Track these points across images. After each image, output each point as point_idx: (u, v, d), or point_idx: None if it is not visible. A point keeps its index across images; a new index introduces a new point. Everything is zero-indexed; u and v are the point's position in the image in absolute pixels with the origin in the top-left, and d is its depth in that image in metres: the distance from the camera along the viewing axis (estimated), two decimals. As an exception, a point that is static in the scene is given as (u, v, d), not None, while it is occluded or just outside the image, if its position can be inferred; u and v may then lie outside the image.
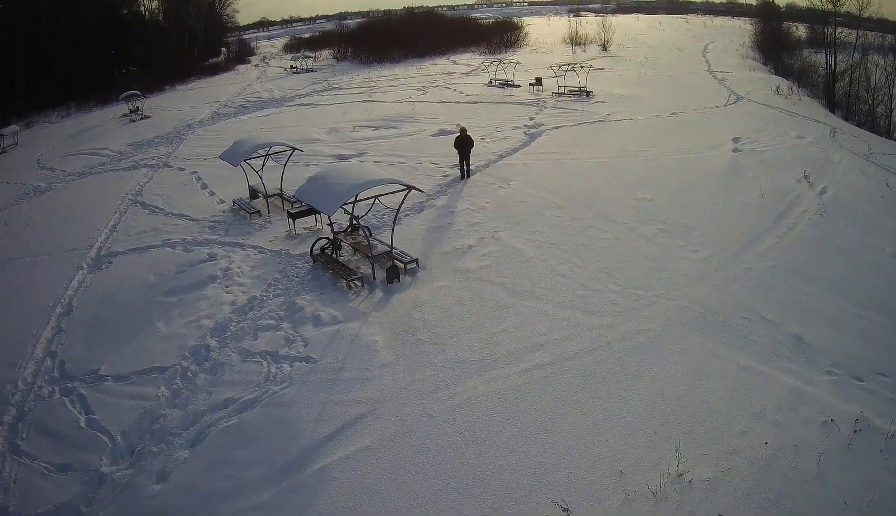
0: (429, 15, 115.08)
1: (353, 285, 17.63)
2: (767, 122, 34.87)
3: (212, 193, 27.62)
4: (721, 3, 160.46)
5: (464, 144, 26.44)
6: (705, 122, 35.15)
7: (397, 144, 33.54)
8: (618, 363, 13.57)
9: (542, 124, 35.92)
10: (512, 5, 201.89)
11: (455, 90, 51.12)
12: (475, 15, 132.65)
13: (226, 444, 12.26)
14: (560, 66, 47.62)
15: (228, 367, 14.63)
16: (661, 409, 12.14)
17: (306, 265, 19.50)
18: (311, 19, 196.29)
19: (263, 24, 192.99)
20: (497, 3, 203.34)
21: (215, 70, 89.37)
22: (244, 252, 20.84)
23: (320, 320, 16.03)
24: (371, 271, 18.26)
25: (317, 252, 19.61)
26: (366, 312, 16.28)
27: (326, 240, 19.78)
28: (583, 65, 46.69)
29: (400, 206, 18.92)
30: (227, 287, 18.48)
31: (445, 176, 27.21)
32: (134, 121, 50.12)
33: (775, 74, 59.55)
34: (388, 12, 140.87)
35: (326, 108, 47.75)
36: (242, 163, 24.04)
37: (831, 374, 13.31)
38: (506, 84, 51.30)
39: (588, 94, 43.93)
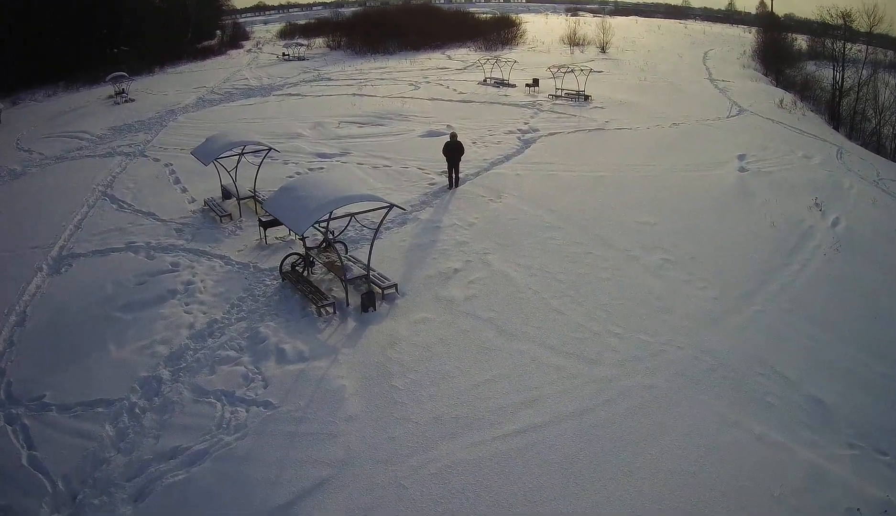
0: (425, 7, 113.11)
1: (323, 311, 15.81)
2: (772, 139, 33.29)
3: (184, 190, 25.89)
4: (719, 11, 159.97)
5: (453, 151, 24.60)
6: (709, 136, 33.53)
7: (383, 144, 31.69)
8: (620, 427, 11.90)
9: (538, 129, 34.15)
10: (509, 1, 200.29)
11: (448, 87, 49.29)
12: (472, 9, 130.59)
13: (172, 504, 10.69)
14: (559, 68, 45.91)
15: (179, 408, 12.92)
16: (669, 490, 10.54)
17: (275, 282, 17.70)
18: (309, 6, 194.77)
19: (260, 8, 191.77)
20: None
21: (207, 53, 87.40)
22: (209, 263, 19.05)
23: (284, 355, 14.24)
24: (345, 295, 16.44)
25: (286, 269, 17.74)
26: (335, 347, 14.47)
27: (298, 257, 17.94)
28: (582, 68, 44.87)
29: (380, 225, 16.97)
30: (186, 305, 16.72)
31: (432, 184, 25.41)
32: (118, 103, 49.06)
33: (777, 86, 58.19)
34: (385, 2, 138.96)
35: (313, 99, 45.87)
36: (215, 162, 22.19)
37: (854, 448, 11.88)
38: (501, 83, 49.54)
39: (586, 98, 42.26)
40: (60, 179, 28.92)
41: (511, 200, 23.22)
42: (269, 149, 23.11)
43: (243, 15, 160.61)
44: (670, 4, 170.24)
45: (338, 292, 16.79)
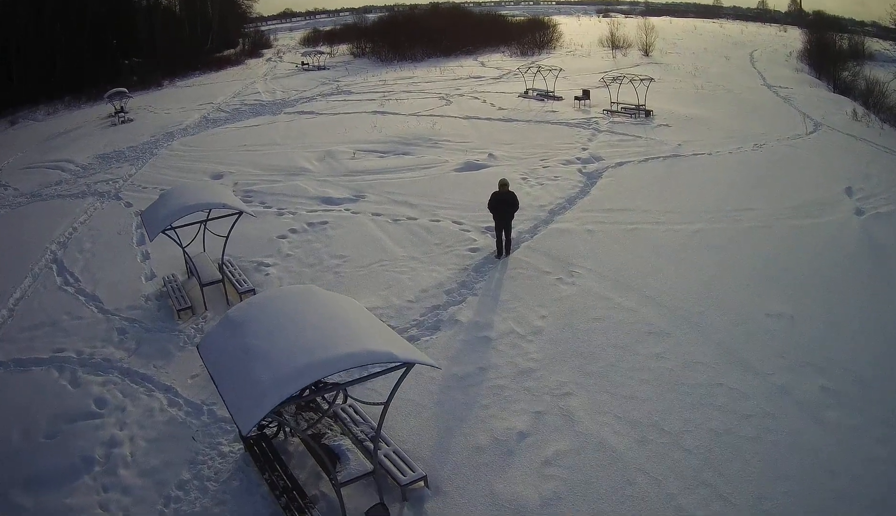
0: (455, 10, 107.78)
1: (304, 530, 9.33)
2: (867, 163, 26.80)
3: (145, 256, 20.06)
4: (749, 9, 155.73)
5: (504, 206, 18.11)
6: (799, 161, 27.12)
7: (408, 183, 25.37)
8: None
9: (601, 157, 27.70)
10: (539, 3, 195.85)
11: (485, 101, 43.03)
12: (503, 12, 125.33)
13: None
14: (613, 78, 39.60)
15: None
16: None
17: (236, 448, 11.38)
18: (336, 12, 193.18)
19: (287, 15, 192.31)
20: (524, 1, 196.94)
21: (223, 63, 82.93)
22: (148, 400, 12.78)
23: None
24: (338, 500, 9.47)
25: (252, 433, 11.16)
26: None
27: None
28: (642, 79, 38.40)
29: (394, 390, 9.59)
30: (104, 491, 10.53)
31: (474, 249, 18.90)
32: (115, 124, 44.77)
33: (833, 92, 51.99)
34: (413, 6, 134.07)
35: (328, 119, 39.96)
36: (168, 231, 15.84)
37: None
38: (546, 96, 43.18)
39: (648, 114, 35.89)
40: (20, 229, 24.59)
41: (588, 279, 16.65)
42: (240, 213, 16.53)
43: (269, 22, 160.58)
44: (701, 4, 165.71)
45: (326, 486, 10.20)
